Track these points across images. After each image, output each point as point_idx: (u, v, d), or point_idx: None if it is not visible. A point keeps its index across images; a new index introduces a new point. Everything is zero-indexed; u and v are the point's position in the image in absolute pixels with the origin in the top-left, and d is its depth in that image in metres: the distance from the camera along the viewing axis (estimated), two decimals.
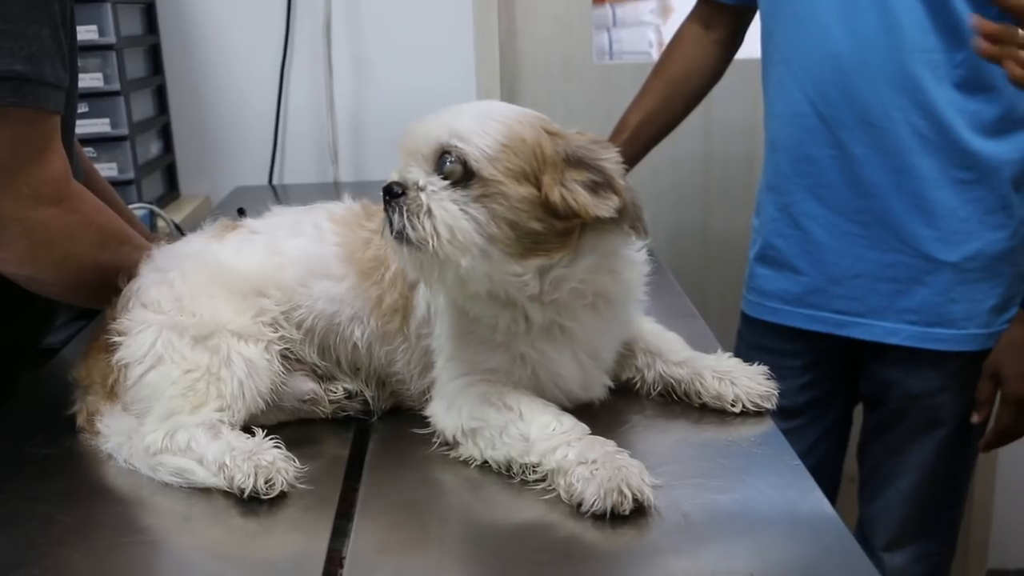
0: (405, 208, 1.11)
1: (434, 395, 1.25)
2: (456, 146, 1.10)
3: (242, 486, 1.09)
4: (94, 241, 1.31)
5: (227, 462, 1.11)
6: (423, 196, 1.11)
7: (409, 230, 1.11)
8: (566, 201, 1.12)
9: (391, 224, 1.13)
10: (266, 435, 1.17)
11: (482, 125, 1.11)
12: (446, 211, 1.10)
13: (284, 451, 1.14)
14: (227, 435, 1.16)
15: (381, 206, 1.34)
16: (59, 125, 1.24)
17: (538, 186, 1.11)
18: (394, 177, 1.14)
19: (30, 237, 1.23)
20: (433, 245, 1.09)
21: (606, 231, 1.17)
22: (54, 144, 1.23)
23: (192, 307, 1.25)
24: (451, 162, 1.11)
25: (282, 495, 1.10)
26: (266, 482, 1.09)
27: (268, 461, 1.11)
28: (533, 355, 1.20)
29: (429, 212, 1.10)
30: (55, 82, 1.21)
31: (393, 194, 1.13)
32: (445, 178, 1.11)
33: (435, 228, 1.09)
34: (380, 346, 1.29)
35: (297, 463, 1.14)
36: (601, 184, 1.14)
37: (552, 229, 1.13)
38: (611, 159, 1.15)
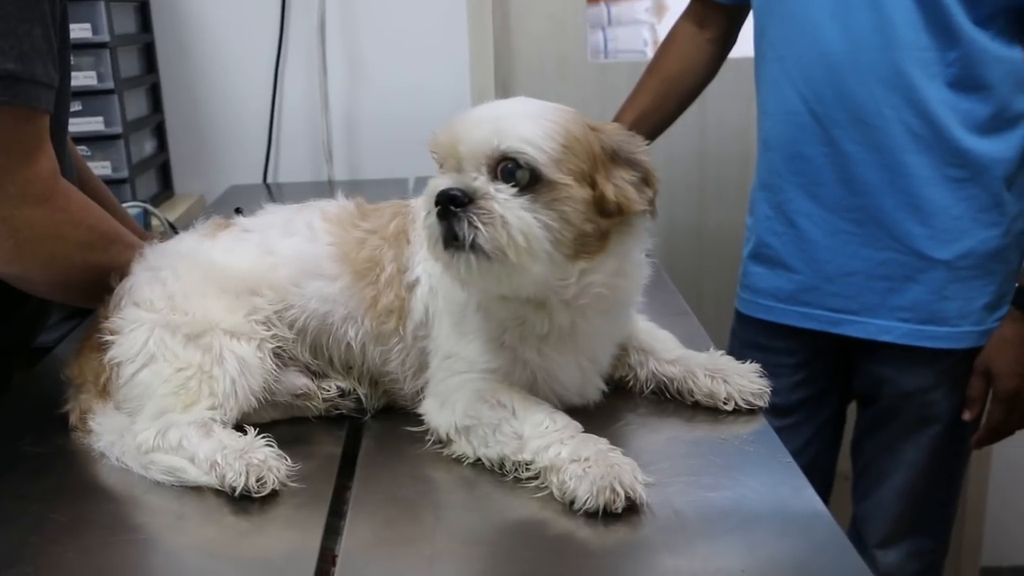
0: (476, 218, 1.08)
1: (428, 393, 1.25)
2: (525, 152, 1.08)
3: (233, 484, 1.09)
4: (82, 240, 1.31)
5: (219, 460, 1.11)
6: (496, 205, 1.08)
7: (483, 241, 1.07)
8: (617, 199, 1.12)
9: (454, 234, 1.08)
10: (258, 433, 1.17)
11: (542, 128, 1.09)
12: (520, 219, 1.07)
13: (276, 449, 1.14)
14: (219, 433, 1.16)
15: (375, 206, 1.36)
16: (49, 124, 1.24)
17: (592, 185, 1.11)
18: (450, 184, 1.10)
19: (16, 236, 1.23)
20: (511, 255, 1.07)
21: (624, 231, 1.17)
22: (43, 144, 1.23)
23: (185, 305, 1.25)
24: (515, 168, 1.09)
25: (274, 493, 1.10)
26: (257, 480, 1.09)
27: (260, 459, 1.11)
28: (536, 360, 1.20)
29: (504, 221, 1.07)
30: (46, 81, 1.20)
31: (458, 203, 1.09)
32: (514, 185, 1.09)
33: (511, 237, 1.07)
34: (374, 346, 1.29)
35: (289, 461, 1.14)
36: (641, 178, 1.15)
37: (597, 229, 1.13)
38: (645, 151, 1.16)
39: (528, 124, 1.09)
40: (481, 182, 1.09)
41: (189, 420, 1.17)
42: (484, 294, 1.18)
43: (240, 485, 1.09)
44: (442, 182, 1.11)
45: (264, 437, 1.16)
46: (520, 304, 1.18)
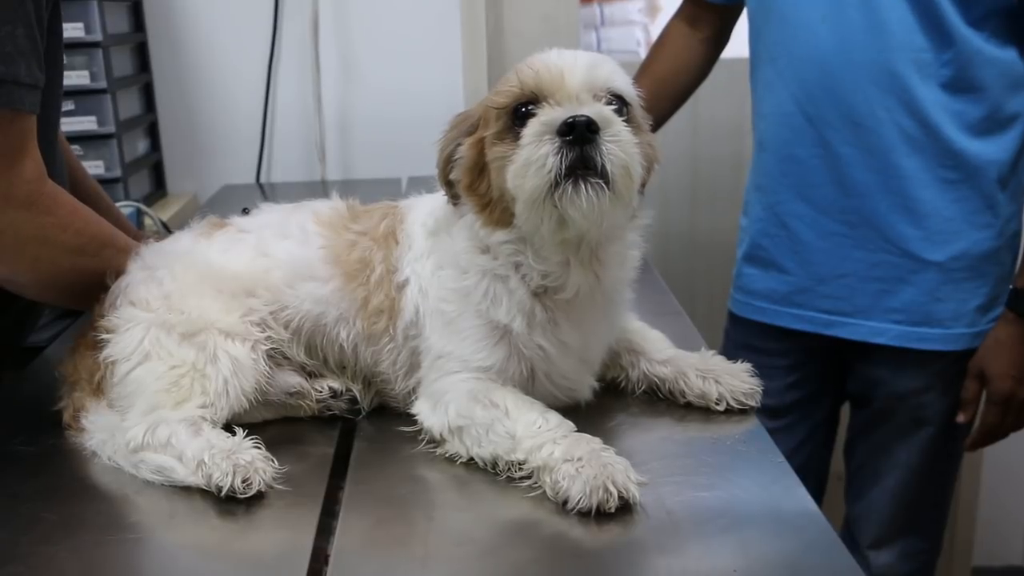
0: (612, 144, 1.08)
1: (420, 393, 1.25)
2: (628, 91, 1.15)
3: (220, 484, 1.09)
4: (71, 244, 1.30)
5: (205, 460, 1.11)
6: (625, 133, 1.10)
7: (614, 167, 1.08)
8: (651, 158, 1.21)
9: (583, 161, 1.08)
10: (248, 434, 1.16)
11: (625, 75, 1.17)
12: (634, 148, 1.11)
13: (264, 451, 1.14)
14: (208, 433, 1.15)
15: (366, 208, 1.36)
16: (35, 126, 1.24)
17: None
18: (578, 112, 1.08)
19: (0, 239, 1.22)
20: (626, 185, 1.10)
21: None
22: (28, 145, 1.22)
23: (181, 305, 1.25)
24: (620, 105, 1.14)
25: (262, 494, 1.10)
26: (243, 481, 1.09)
27: (247, 460, 1.11)
28: (535, 349, 1.21)
29: (629, 148, 1.09)
30: (30, 82, 1.20)
31: (594, 129, 1.08)
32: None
33: (632, 167, 1.10)
34: (366, 347, 1.29)
35: (276, 463, 1.13)
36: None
37: (641, 184, 1.19)
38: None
39: (618, 68, 1.16)
40: (609, 111, 1.11)
41: (179, 417, 1.17)
42: (590, 228, 1.14)
43: (226, 486, 1.09)
44: (562, 112, 1.09)
45: (254, 438, 1.16)
46: (562, 248, 1.17)
